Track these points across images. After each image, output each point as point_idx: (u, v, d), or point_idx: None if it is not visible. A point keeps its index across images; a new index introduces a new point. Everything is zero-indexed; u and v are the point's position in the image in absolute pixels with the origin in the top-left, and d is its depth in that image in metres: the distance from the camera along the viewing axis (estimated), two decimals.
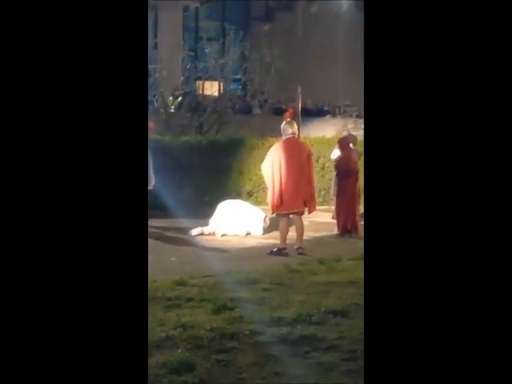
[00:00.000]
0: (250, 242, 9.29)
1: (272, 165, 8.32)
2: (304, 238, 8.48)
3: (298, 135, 9.37)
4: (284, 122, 8.62)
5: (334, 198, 10.31)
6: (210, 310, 5.06)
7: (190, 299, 5.34)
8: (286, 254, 8.09)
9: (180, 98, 17.27)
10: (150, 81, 17.31)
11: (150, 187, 11.04)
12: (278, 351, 4.24)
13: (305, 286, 6.12)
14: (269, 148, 9.40)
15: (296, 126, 8.78)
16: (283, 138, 8.57)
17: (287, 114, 9.08)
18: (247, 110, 19.22)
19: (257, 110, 19.59)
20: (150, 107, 17.27)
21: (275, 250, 8.23)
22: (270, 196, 8.39)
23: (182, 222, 10.52)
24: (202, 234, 9.69)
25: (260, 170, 9.83)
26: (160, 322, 4.65)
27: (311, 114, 20.11)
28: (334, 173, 10.34)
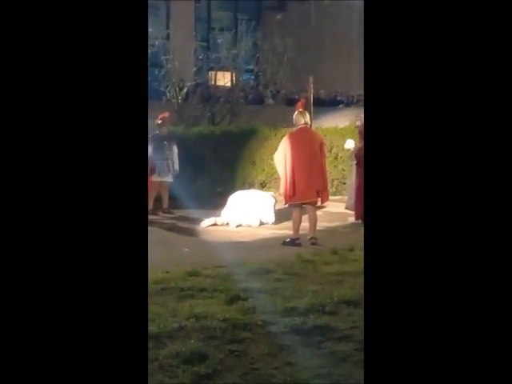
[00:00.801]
0: (263, 233, 9.30)
1: (284, 155, 8.32)
2: (317, 228, 8.47)
3: (311, 125, 9.34)
4: (296, 112, 8.60)
5: (351, 187, 10.23)
6: (222, 300, 5.06)
7: (202, 290, 5.34)
8: (299, 244, 8.11)
9: (185, 89, 17.23)
10: (163, 72, 17.33)
11: (170, 179, 11.14)
12: (290, 341, 4.24)
13: (318, 276, 6.11)
14: (281, 138, 9.37)
15: (308, 116, 8.78)
16: (295, 128, 8.57)
17: (299, 104, 9.03)
18: (260, 101, 19.16)
19: (269, 101, 19.53)
20: (163, 98, 17.30)
21: (288, 240, 8.26)
22: (283, 186, 8.39)
23: (195, 213, 10.55)
24: (214, 224, 9.70)
25: (272, 160, 9.83)
26: (173, 313, 4.67)
27: (324, 103, 20.01)
28: (354, 162, 10.26)
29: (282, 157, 8.40)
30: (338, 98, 21.79)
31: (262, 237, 9.02)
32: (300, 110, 8.69)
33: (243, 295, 5.19)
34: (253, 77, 19.47)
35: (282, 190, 8.53)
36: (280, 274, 6.14)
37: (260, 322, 4.53)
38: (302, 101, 9.39)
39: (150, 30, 18.40)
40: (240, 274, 6.01)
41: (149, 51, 17.84)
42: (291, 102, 16.45)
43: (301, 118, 8.50)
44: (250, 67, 19.01)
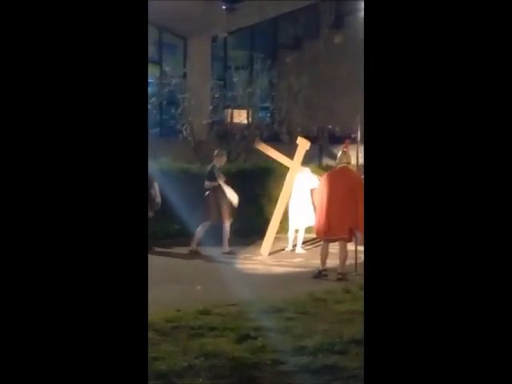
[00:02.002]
0: (277, 270, 9.32)
1: (322, 192, 8.84)
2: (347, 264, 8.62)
3: (357, 163, 9.48)
4: (340, 152, 9.19)
5: None
6: (232, 339, 5.08)
7: (213, 328, 5.36)
8: (325, 276, 8.58)
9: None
10: (179, 110, 17.53)
11: (151, 213, 11.19)
12: (299, 380, 4.26)
13: (329, 315, 6.11)
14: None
15: (350, 156, 9.23)
16: (337, 166, 9.13)
17: (344, 144, 9.56)
18: (275, 138, 19.25)
19: (285, 138, 19.62)
20: (179, 136, 17.46)
21: (317, 272, 8.64)
22: (317, 221, 8.96)
23: (209, 250, 10.60)
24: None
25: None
26: (183, 351, 4.69)
27: (340, 140, 20.05)
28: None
29: (319, 194, 8.97)
30: (353, 136, 21.82)
31: (275, 273, 9.05)
32: (344, 149, 9.26)
33: (253, 334, 5.21)
34: (268, 114, 19.60)
35: (315, 224, 9.09)
36: (291, 313, 6.15)
37: (269, 361, 4.54)
38: (347, 141, 9.77)
39: (166, 68, 18.71)
40: (251, 313, 6.03)
41: (165, 90, 18.12)
42: (307, 139, 16.54)
43: (343, 158, 9.07)
44: (266, 105, 19.15)
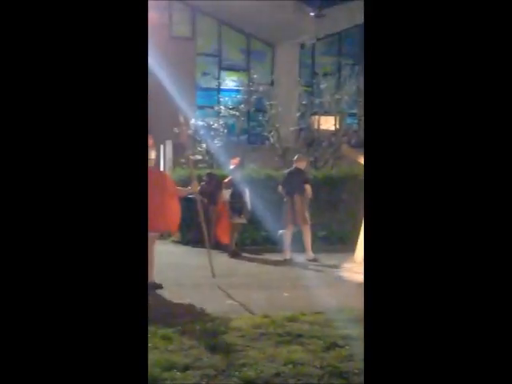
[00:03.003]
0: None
1: None
2: None
3: None
4: None
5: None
6: (320, 347, 5.05)
7: (300, 336, 5.35)
8: None
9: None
10: (266, 117, 17.65)
11: (245, 220, 11.36)
12: None
13: None
14: None
15: None
16: None
17: None
18: (363, 144, 19.08)
19: None
20: (266, 143, 17.57)
21: None
22: None
23: (296, 257, 10.62)
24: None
25: None
26: (270, 358, 4.70)
27: None
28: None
29: None
30: None
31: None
32: None
33: (341, 342, 5.16)
34: (356, 121, 19.46)
35: None
36: None
37: (357, 371, 4.49)
38: None
39: (254, 76, 18.90)
40: (339, 321, 5.98)
41: (253, 97, 18.29)
42: None
43: None
44: (354, 111, 19.04)
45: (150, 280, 7.48)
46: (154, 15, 20.18)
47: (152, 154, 8.14)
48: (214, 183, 12.44)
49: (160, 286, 7.72)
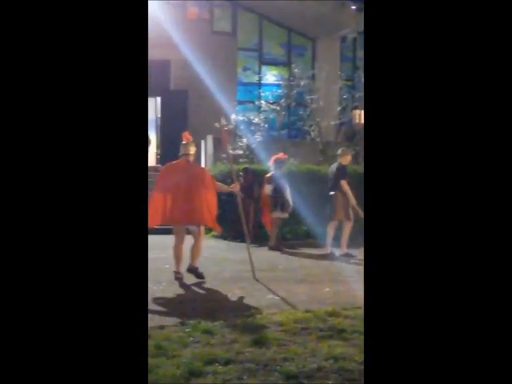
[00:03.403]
0: None
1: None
2: None
3: None
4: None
5: None
6: (361, 342, 5.03)
7: (341, 331, 5.34)
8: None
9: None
10: (307, 111, 17.59)
11: (286, 215, 11.36)
12: None
13: None
14: None
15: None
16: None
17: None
18: None
19: None
20: (307, 137, 17.51)
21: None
22: None
23: (337, 251, 10.59)
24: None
25: None
26: (312, 353, 4.70)
27: None
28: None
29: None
30: None
31: None
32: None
33: None
34: None
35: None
36: None
37: None
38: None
39: (295, 70, 18.85)
40: None
41: (294, 91, 18.24)
42: None
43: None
44: None
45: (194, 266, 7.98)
46: (194, 11, 20.30)
47: (192, 149, 8.19)
48: (250, 178, 12.51)
49: (202, 276, 7.93)
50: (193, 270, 7.97)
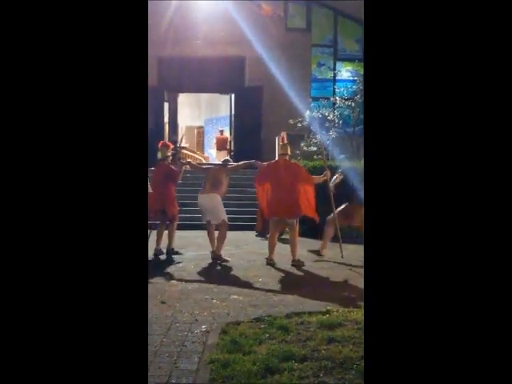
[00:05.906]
0: None
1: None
2: None
3: None
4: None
5: None
6: None
7: None
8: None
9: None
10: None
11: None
12: None
13: None
14: None
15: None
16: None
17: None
18: None
19: None
20: None
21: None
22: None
23: None
24: None
25: None
26: None
27: None
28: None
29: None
30: None
31: None
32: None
33: None
34: None
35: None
36: None
37: None
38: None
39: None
40: None
41: None
42: None
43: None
44: None
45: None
46: (269, 8, 20.34)
47: (289, 150, 9.17)
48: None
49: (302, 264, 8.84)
50: (297, 263, 8.81)
